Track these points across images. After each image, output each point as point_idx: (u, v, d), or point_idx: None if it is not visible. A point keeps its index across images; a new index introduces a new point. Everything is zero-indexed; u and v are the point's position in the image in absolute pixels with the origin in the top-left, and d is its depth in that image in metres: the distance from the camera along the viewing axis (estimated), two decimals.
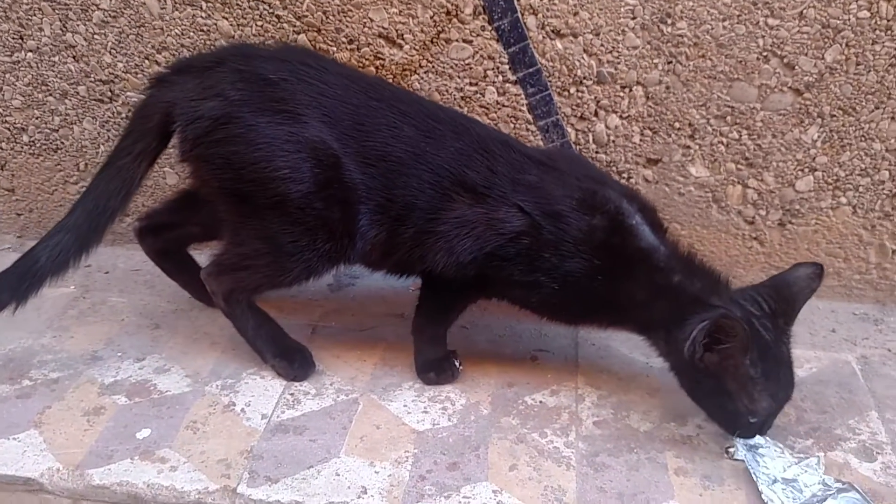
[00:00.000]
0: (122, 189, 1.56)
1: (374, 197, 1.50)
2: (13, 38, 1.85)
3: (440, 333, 1.65)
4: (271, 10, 1.72)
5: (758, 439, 1.43)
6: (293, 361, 1.64)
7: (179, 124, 1.50)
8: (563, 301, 1.51)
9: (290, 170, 1.46)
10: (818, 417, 1.52)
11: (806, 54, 1.61)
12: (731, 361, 1.37)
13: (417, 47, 1.71)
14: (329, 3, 1.69)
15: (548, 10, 1.63)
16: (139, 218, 1.81)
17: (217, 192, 1.56)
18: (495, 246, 1.48)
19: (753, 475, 1.36)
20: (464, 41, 1.69)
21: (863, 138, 1.67)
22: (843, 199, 1.74)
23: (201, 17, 1.74)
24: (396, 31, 1.70)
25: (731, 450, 1.42)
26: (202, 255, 1.73)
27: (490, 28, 1.66)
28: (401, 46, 1.71)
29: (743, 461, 1.40)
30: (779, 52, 1.62)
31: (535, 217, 1.46)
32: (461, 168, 1.49)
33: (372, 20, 1.70)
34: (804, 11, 1.57)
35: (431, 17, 1.67)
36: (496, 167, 1.49)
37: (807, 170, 1.72)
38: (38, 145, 1.97)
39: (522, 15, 1.64)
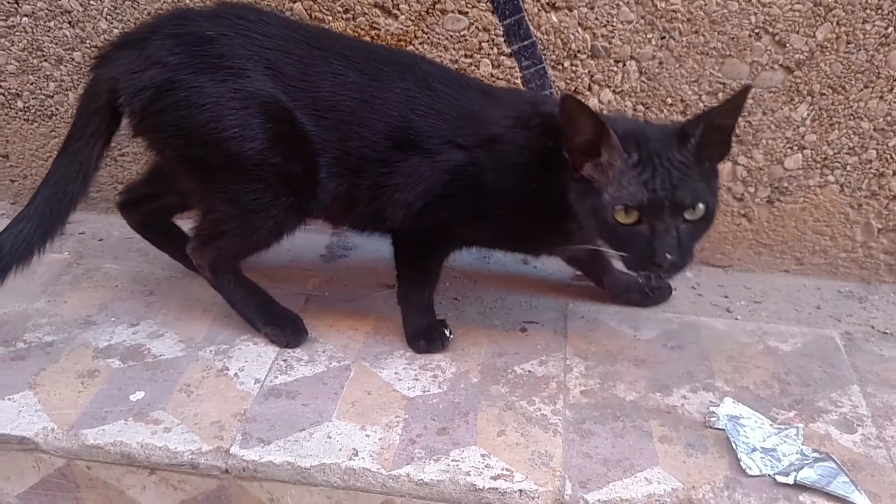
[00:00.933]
0: (79, 173, 1.56)
1: (329, 148, 1.51)
2: (8, 3, 1.84)
3: (425, 300, 1.67)
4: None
5: (740, 409, 1.46)
6: (285, 328, 1.65)
7: (124, 99, 1.49)
8: (519, 226, 1.55)
9: (239, 127, 1.46)
10: (801, 390, 1.55)
11: (797, 32, 1.63)
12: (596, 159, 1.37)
13: (413, 17, 1.71)
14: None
15: None
16: (120, 192, 1.81)
17: (175, 162, 1.57)
18: (442, 185, 1.51)
19: (733, 444, 1.39)
20: (459, 12, 1.69)
21: (851, 117, 1.69)
22: (831, 178, 1.76)
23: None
24: (392, 1, 1.70)
25: (713, 419, 1.44)
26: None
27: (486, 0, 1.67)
28: (396, 17, 1.72)
29: (724, 430, 1.42)
30: (770, 30, 1.63)
31: (474, 148, 1.49)
32: (408, 114, 1.50)
33: None
34: None
35: None
36: (440, 107, 1.51)
37: (796, 148, 1.74)
38: (32, 111, 1.98)
39: None
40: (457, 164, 1.49)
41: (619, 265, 1.44)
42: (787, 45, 1.64)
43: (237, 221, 1.55)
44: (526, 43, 1.71)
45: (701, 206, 1.35)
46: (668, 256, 1.33)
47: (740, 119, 1.70)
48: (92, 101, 1.55)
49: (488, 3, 1.67)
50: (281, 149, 1.48)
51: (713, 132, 1.35)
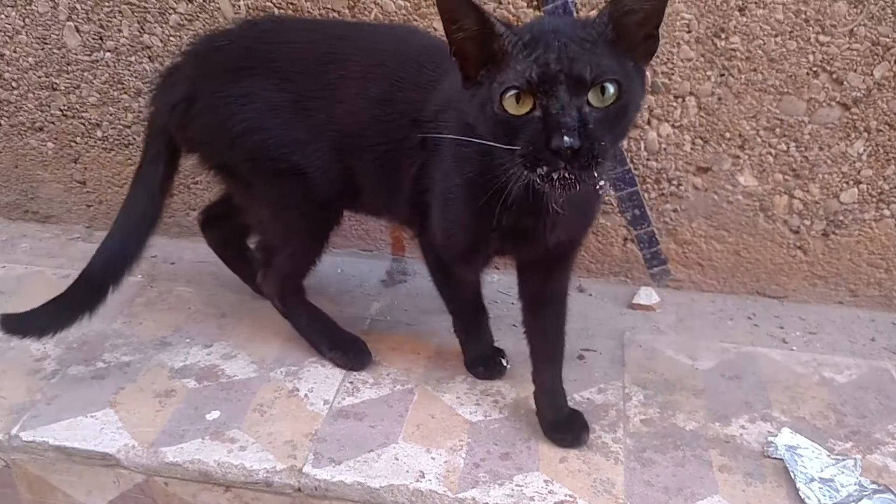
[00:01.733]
0: (148, 193, 1.66)
1: (340, 139, 1.50)
2: (93, 39, 1.95)
3: (468, 321, 1.67)
4: (341, 17, 1.80)
5: (797, 439, 1.49)
6: (349, 352, 1.71)
7: (166, 120, 1.60)
8: None
9: (255, 126, 1.51)
10: (857, 422, 1.57)
11: (855, 70, 1.66)
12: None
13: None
14: (396, 11, 1.77)
15: None
16: (201, 211, 1.91)
17: (218, 173, 1.66)
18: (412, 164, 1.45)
19: (792, 474, 1.42)
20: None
21: None
22: (887, 212, 1.78)
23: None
24: None
25: (771, 449, 1.47)
26: None
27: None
28: None
29: (782, 460, 1.45)
30: (828, 68, 1.67)
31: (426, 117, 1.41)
32: (396, 98, 1.44)
33: (436, 29, 1.74)
34: (854, 29, 1.62)
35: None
36: (425, 91, 1.44)
37: (851, 182, 1.77)
38: (110, 140, 2.07)
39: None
40: (415, 138, 1.44)
41: (517, 172, 1.12)
42: (845, 82, 1.67)
43: (278, 228, 1.63)
44: None
45: (610, 87, 1.08)
46: (567, 139, 1.04)
47: (797, 154, 1.75)
48: (151, 127, 1.67)
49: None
50: (300, 142, 1.52)
51: (629, 14, 1.10)
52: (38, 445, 1.50)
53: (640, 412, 1.58)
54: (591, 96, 1.07)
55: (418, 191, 1.44)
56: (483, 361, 1.68)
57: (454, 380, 1.67)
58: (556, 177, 1.07)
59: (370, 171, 1.50)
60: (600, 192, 1.36)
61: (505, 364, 1.67)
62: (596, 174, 1.08)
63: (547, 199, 1.22)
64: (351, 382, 1.66)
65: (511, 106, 1.09)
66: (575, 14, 1.69)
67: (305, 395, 1.62)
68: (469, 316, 1.67)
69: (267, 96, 1.50)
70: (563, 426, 1.50)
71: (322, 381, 1.66)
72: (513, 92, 1.08)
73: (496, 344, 1.72)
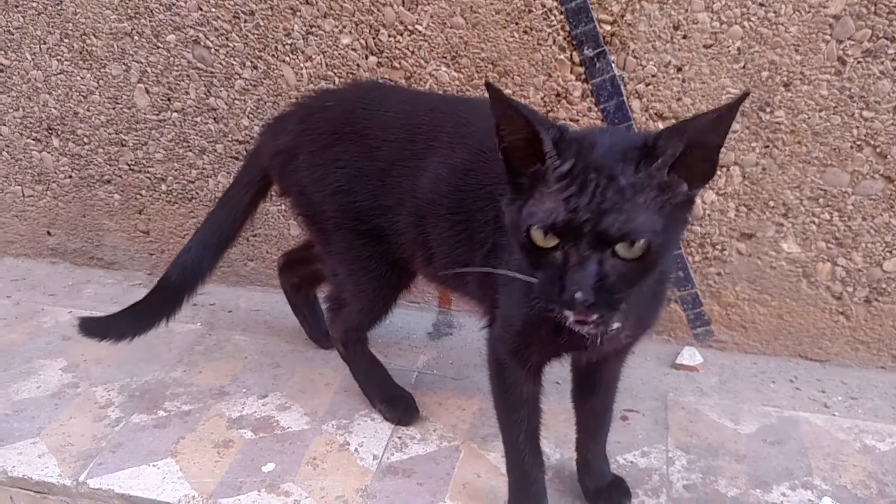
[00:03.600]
0: (232, 214, 1.77)
1: (422, 206, 1.50)
2: (162, 100, 2.06)
3: (522, 461, 1.49)
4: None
5: None
6: (397, 406, 1.77)
7: (268, 162, 1.69)
8: None
9: (347, 186, 1.57)
10: None
11: None
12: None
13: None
14: (450, 83, 1.85)
15: (652, 94, 1.75)
16: (283, 253, 2.00)
17: (303, 222, 1.73)
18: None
19: None
20: (571, 119, 1.81)
21: None
22: None
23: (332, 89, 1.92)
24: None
25: None
26: None
27: (596, 109, 1.79)
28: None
29: None
30: (872, 142, 1.70)
31: None
32: (478, 168, 1.44)
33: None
34: None
35: (542, 98, 1.81)
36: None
37: (895, 251, 1.79)
38: (174, 194, 2.18)
39: (628, 98, 1.76)
40: None
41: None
42: (889, 156, 1.70)
43: (351, 283, 1.68)
44: None
45: (641, 242, 1.03)
46: (578, 295, 1.02)
47: (840, 223, 1.78)
48: (252, 158, 1.77)
49: (599, 113, 1.79)
50: (382, 207, 1.56)
51: (694, 149, 1.03)
52: (104, 493, 1.58)
53: (682, 477, 1.62)
54: (619, 247, 1.03)
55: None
56: None
57: (498, 438, 1.66)
58: (568, 321, 1.08)
59: (444, 239, 1.48)
60: (661, 290, 1.33)
61: None
62: (611, 326, 1.09)
63: None
64: (399, 437, 1.72)
65: (537, 237, 1.06)
66: (623, 88, 1.76)
67: (356, 450, 1.68)
68: (523, 451, 1.47)
69: (359, 164, 1.56)
70: (605, 494, 1.54)
71: (371, 435, 1.72)
72: (537, 226, 1.05)
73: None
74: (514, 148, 1.09)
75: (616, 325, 1.12)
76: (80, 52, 2.05)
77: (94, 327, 1.71)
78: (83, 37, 2.03)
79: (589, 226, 1.02)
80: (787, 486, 1.59)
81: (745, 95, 1.01)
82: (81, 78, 2.08)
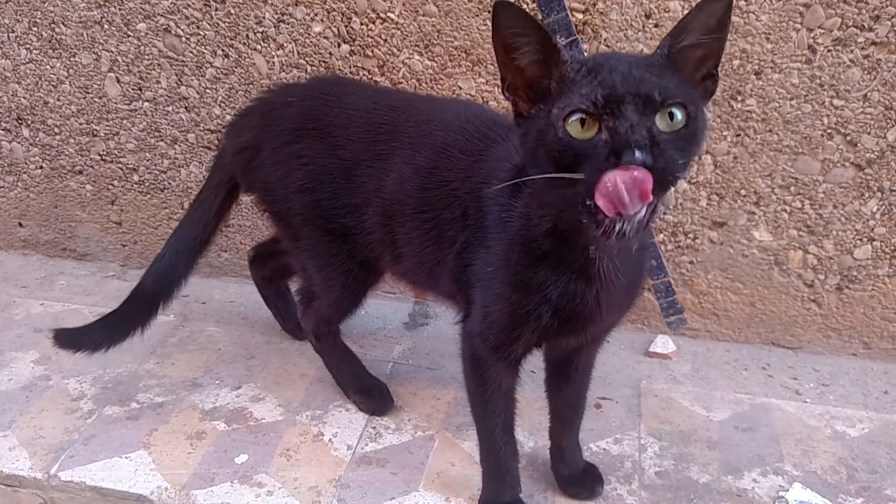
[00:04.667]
0: (203, 218, 1.75)
1: (388, 206, 1.50)
2: (133, 89, 2.03)
3: (497, 451, 1.50)
4: (370, 76, 1.87)
5: (808, 494, 1.52)
6: (372, 397, 1.77)
7: (232, 159, 1.68)
8: None
9: (311, 184, 1.57)
10: (868, 477, 1.60)
11: (868, 133, 1.71)
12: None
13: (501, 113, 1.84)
14: (423, 71, 1.84)
15: None
16: (253, 247, 1.99)
17: (271, 218, 1.72)
18: None
19: None
20: None
21: None
22: None
23: (305, 78, 1.90)
24: (483, 98, 1.84)
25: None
26: None
27: None
28: None
29: None
30: (842, 130, 1.71)
31: None
32: (441, 165, 1.44)
33: (461, 88, 1.84)
34: (868, 94, 1.67)
35: None
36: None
37: (865, 239, 1.81)
38: (147, 184, 2.16)
39: None
40: None
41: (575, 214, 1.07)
42: (859, 144, 1.72)
43: (320, 277, 1.67)
44: None
45: (678, 112, 1.01)
46: (638, 155, 0.96)
47: (812, 211, 1.79)
48: (217, 158, 1.77)
49: None
50: (349, 208, 1.55)
51: (688, 49, 1.06)
52: (76, 485, 1.57)
53: (654, 464, 1.63)
54: (659, 121, 1.00)
55: (462, 265, 1.38)
56: None
57: (473, 427, 1.70)
58: (624, 201, 0.97)
59: (412, 239, 1.48)
60: (644, 261, 1.34)
61: None
62: (661, 207, 1.08)
63: (599, 266, 1.19)
64: (374, 428, 1.71)
65: (574, 129, 1.01)
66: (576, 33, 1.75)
67: (330, 440, 1.67)
68: (499, 443, 1.47)
69: (322, 161, 1.55)
70: (578, 481, 1.55)
71: (346, 425, 1.72)
72: (577, 116, 1.01)
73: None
74: (522, 78, 1.07)
75: (663, 208, 1.13)
76: (50, 41, 2.02)
77: (68, 339, 1.70)
78: (52, 25, 2.00)
79: (630, 94, 0.99)
80: (759, 472, 1.61)
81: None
82: (51, 67, 2.05)
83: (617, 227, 1.01)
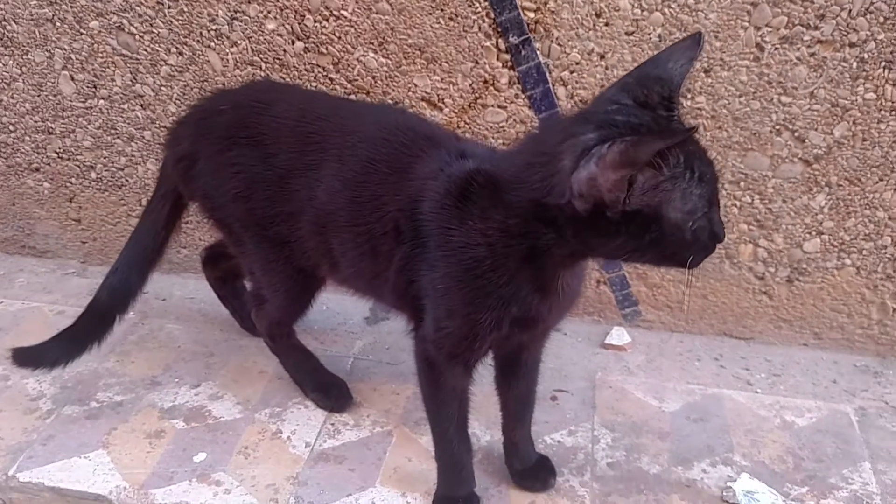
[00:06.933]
0: (153, 229, 1.75)
1: (321, 216, 1.50)
2: (88, 87, 2.02)
3: (453, 448, 1.54)
4: (325, 73, 1.87)
5: (755, 484, 1.56)
6: (330, 395, 1.79)
7: (171, 169, 1.68)
8: None
9: (245, 192, 1.56)
10: (814, 466, 1.65)
11: (816, 129, 1.74)
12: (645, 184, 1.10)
13: (456, 110, 1.85)
14: (378, 69, 1.84)
15: (577, 82, 1.77)
16: (205, 248, 1.99)
17: (214, 225, 1.72)
18: None
19: None
20: (498, 107, 1.83)
21: (867, 206, 1.79)
22: (848, 261, 1.86)
23: (259, 76, 1.90)
24: (438, 95, 1.84)
25: (729, 494, 1.55)
26: None
27: (523, 96, 1.80)
28: (441, 109, 1.86)
29: None
30: (791, 127, 1.74)
31: None
32: (369, 180, 1.45)
33: (416, 85, 1.85)
34: (815, 91, 1.70)
35: (470, 85, 1.81)
36: None
37: (814, 233, 1.84)
38: (104, 182, 2.15)
39: (553, 86, 1.78)
40: None
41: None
42: (807, 140, 1.75)
43: (266, 281, 1.69)
44: None
45: None
46: (722, 233, 1.21)
47: (761, 206, 1.82)
48: (162, 168, 1.76)
49: (526, 100, 1.80)
50: (284, 216, 1.55)
51: None
52: (34, 486, 1.58)
53: (607, 455, 1.66)
54: None
55: (405, 281, 1.40)
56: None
57: None
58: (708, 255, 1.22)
59: (346, 251, 1.49)
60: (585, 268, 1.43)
61: None
62: None
63: (559, 282, 1.29)
64: (332, 424, 1.73)
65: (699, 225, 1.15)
66: (548, 76, 1.77)
67: (288, 438, 1.69)
68: (453, 441, 1.50)
69: (256, 169, 1.54)
70: (531, 474, 1.58)
71: (305, 422, 1.74)
72: (700, 216, 1.14)
73: None
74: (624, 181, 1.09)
75: None
76: (1, 39, 2.00)
77: (27, 357, 1.71)
78: (2, 22, 1.97)
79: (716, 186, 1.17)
80: (708, 462, 1.65)
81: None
82: (4, 65, 2.03)
83: None
